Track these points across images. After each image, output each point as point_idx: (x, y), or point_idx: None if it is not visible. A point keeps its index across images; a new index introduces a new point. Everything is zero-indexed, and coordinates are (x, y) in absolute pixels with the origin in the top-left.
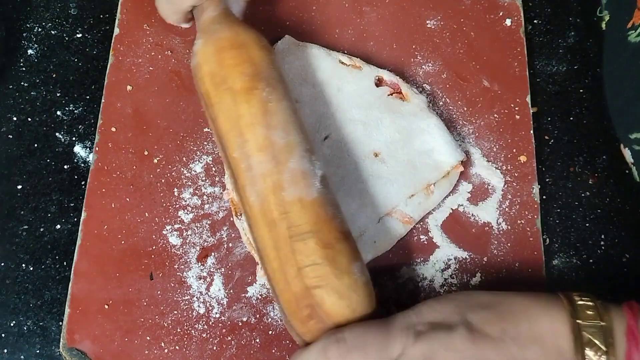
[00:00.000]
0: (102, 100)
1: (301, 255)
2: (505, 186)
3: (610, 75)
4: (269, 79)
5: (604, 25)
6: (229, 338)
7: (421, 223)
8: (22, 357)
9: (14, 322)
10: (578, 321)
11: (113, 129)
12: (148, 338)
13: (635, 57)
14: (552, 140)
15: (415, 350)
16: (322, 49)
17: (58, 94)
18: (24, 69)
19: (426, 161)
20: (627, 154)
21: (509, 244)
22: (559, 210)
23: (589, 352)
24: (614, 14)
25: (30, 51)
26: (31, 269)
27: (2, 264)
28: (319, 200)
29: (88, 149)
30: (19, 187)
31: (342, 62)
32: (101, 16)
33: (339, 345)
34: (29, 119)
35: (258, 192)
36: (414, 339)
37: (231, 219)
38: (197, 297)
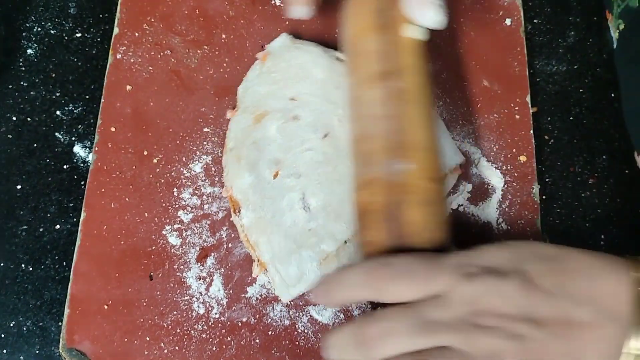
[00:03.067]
0: (102, 100)
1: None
2: (505, 186)
3: (627, 85)
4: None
5: (614, 34)
6: (229, 338)
7: None
8: (21, 357)
9: (13, 322)
10: None
11: (112, 129)
12: (148, 338)
13: None
14: (552, 140)
15: (462, 290)
16: (319, 47)
17: (57, 94)
18: (23, 68)
19: None
20: None
21: None
22: (559, 210)
23: None
24: (630, 22)
25: (29, 51)
26: (30, 269)
27: (2, 264)
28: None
29: (87, 149)
30: (19, 187)
31: (340, 60)
32: (101, 16)
33: (386, 268)
34: (29, 119)
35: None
36: (464, 279)
37: (230, 219)
38: (196, 298)
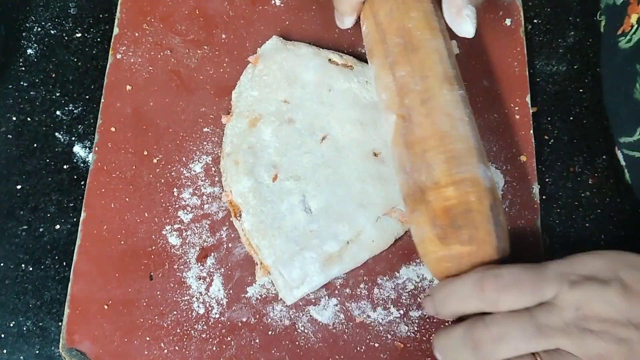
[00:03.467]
0: (102, 100)
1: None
2: (505, 186)
3: (606, 78)
4: None
5: (602, 29)
6: (229, 338)
7: None
8: (21, 357)
9: (13, 322)
10: None
11: (112, 129)
12: (148, 338)
13: (624, 63)
14: (552, 140)
15: (569, 297)
16: (310, 47)
17: (57, 94)
18: (23, 68)
19: None
20: (620, 156)
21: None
22: (559, 210)
23: None
24: (609, 19)
25: (29, 51)
26: (30, 269)
27: (2, 264)
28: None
29: (87, 149)
30: (19, 187)
31: (333, 61)
32: (100, 16)
33: (496, 280)
34: (29, 119)
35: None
36: (568, 286)
37: (230, 219)
38: (196, 298)
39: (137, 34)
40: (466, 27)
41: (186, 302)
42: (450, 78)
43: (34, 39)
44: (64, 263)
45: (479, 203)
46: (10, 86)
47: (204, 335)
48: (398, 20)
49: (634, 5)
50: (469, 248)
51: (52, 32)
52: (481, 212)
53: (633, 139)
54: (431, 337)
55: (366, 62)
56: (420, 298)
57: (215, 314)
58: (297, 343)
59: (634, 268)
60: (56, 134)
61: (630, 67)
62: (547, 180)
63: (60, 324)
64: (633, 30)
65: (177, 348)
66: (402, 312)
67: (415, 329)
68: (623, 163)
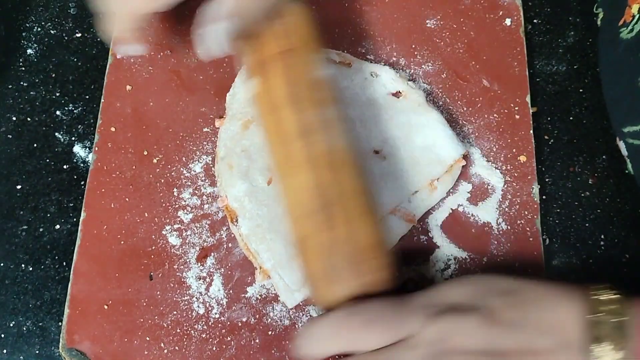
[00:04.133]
0: (102, 100)
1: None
2: (505, 186)
3: (605, 70)
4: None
5: (599, 22)
6: (229, 338)
7: (421, 223)
8: (21, 357)
9: (13, 322)
10: (589, 316)
11: (112, 129)
12: (147, 338)
13: (626, 53)
14: (551, 140)
15: (431, 329)
16: None
17: (57, 94)
18: (23, 68)
19: (429, 156)
20: (622, 146)
21: (508, 244)
22: (559, 210)
23: (595, 349)
24: (607, 11)
25: (29, 51)
26: (30, 269)
27: (2, 264)
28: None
29: (87, 149)
30: (19, 187)
31: (331, 59)
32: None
33: (355, 319)
34: (29, 119)
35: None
36: (429, 319)
37: None
38: (196, 298)
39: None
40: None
41: (186, 302)
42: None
43: (34, 39)
44: (64, 263)
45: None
46: (10, 86)
47: (204, 335)
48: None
49: None
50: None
51: (52, 32)
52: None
53: (637, 128)
54: None
55: (366, 59)
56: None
57: (215, 314)
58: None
59: (500, 294)
60: (56, 134)
61: (634, 57)
62: (547, 180)
63: (60, 324)
64: (635, 20)
65: (177, 348)
66: None
67: None
68: (625, 153)
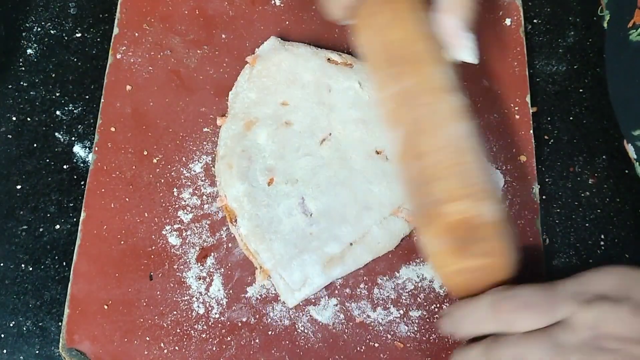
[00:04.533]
0: (102, 100)
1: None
2: (505, 186)
3: (613, 73)
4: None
5: (605, 25)
6: (229, 338)
7: None
8: (21, 357)
9: (13, 322)
10: None
11: (112, 129)
12: (147, 338)
13: (636, 56)
14: (552, 140)
15: (583, 316)
16: (309, 47)
17: (57, 94)
18: (23, 68)
19: None
20: (630, 150)
21: None
22: (559, 210)
23: None
24: (615, 13)
25: (29, 51)
26: (30, 269)
27: (2, 264)
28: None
29: (87, 149)
30: (18, 187)
31: (332, 60)
32: (100, 16)
33: (511, 301)
34: (28, 119)
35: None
36: (582, 306)
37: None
38: (196, 298)
39: (137, 34)
40: (466, 57)
41: (186, 302)
42: (453, 88)
43: (34, 39)
44: (64, 263)
45: (493, 216)
46: (10, 86)
47: (203, 335)
48: (397, 31)
49: None
50: (483, 261)
51: (52, 32)
52: (495, 226)
53: None
54: (430, 337)
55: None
56: (420, 298)
57: (215, 314)
58: (297, 343)
59: None
60: (56, 134)
61: None
62: (547, 180)
63: (60, 324)
64: None
65: (177, 348)
66: (402, 312)
67: (415, 329)
68: (634, 157)
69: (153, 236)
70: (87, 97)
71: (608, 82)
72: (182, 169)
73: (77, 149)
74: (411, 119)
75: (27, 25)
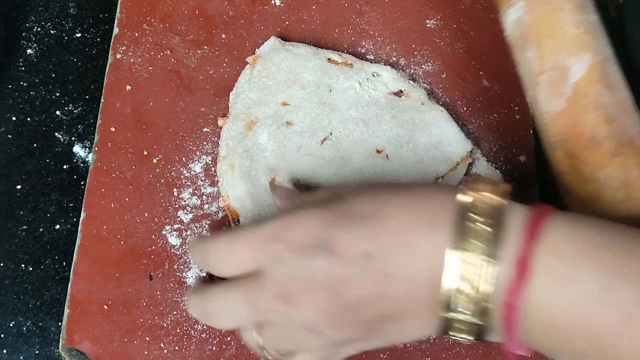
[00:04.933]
0: (102, 100)
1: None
2: None
3: (636, 40)
4: None
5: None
6: (229, 338)
7: None
8: (21, 357)
9: (13, 322)
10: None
11: (112, 129)
12: (147, 338)
13: None
14: None
15: (273, 271)
16: (309, 47)
17: (57, 94)
18: (23, 68)
19: (434, 154)
20: None
21: None
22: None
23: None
24: None
25: (29, 51)
26: (30, 269)
27: (1, 264)
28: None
29: (87, 149)
30: (18, 187)
31: (332, 60)
32: (100, 16)
33: (209, 250)
34: (28, 119)
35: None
36: (275, 256)
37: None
38: None
39: (137, 34)
40: None
41: (186, 302)
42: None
43: (34, 39)
44: (64, 263)
45: None
46: (10, 86)
47: (203, 335)
48: None
49: None
50: None
51: (52, 32)
52: None
53: None
54: (430, 337)
55: (366, 60)
56: None
57: None
58: None
59: (351, 221)
60: (56, 134)
61: None
62: (546, 180)
63: (60, 324)
64: None
65: (177, 348)
66: None
67: None
68: None
69: (153, 236)
70: (87, 97)
71: (633, 56)
72: (182, 169)
73: (77, 149)
74: (600, 46)
75: (27, 25)
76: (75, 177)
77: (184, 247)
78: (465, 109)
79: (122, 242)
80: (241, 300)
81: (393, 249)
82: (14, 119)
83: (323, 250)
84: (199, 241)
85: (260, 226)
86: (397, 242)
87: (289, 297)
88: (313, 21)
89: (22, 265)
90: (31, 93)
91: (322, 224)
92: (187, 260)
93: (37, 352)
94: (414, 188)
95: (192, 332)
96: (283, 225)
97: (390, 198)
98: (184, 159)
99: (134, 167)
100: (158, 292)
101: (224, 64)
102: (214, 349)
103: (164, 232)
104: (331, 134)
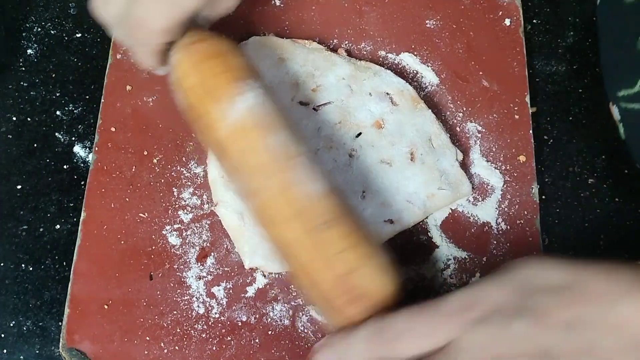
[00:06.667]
0: (102, 100)
1: (330, 244)
2: (505, 186)
3: (605, 35)
4: (251, 84)
5: None
6: (229, 338)
7: (420, 223)
8: (21, 357)
9: (13, 322)
10: None
11: (112, 129)
12: (147, 338)
13: (629, 15)
14: (551, 140)
15: (470, 338)
16: (286, 41)
17: (57, 94)
18: (23, 68)
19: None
20: (614, 111)
21: (508, 244)
22: (558, 210)
23: None
24: None
25: (29, 51)
26: (31, 269)
27: (2, 264)
28: (327, 191)
29: (87, 149)
30: (19, 187)
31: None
32: None
33: (387, 331)
34: (29, 119)
35: (267, 196)
36: (469, 326)
37: None
38: (196, 298)
39: None
40: None
41: (186, 302)
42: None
43: (34, 39)
44: (64, 263)
45: (357, 260)
46: (10, 86)
47: (203, 335)
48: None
49: None
50: (366, 305)
51: (52, 32)
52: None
53: (634, 90)
54: None
55: (364, 59)
56: (419, 298)
57: (215, 313)
58: (297, 343)
59: (549, 291)
60: (56, 134)
61: (636, 19)
62: (546, 180)
63: (60, 323)
64: None
65: (177, 348)
66: None
67: None
68: (618, 118)
69: (153, 236)
70: (87, 97)
71: (599, 46)
72: (182, 169)
73: (77, 149)
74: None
75: (27, 25)
76: (75, 177)
77: (184, 247)
78: (465, 109)
79: (122, 242)
80: None
81: (596, 317)
82: (14, 119)
83: (523, 315)
84: (353, 331)
85: (444, 300)
86: (599, 311)
87: None
88: (313, 21)
89: (22, 265)
90: (31, 93)
91: (516, 291)
92: (187, 260)
93: (37, 351)
94: (596, 262)
95: (192, 332)
96: (472, 297)
97: (580, 268)
98: (184, 159)
99: (134, 167)
100: (158, 292)
101: None
102: (214, 348)
103: (164, 232)
104: (322, 140)
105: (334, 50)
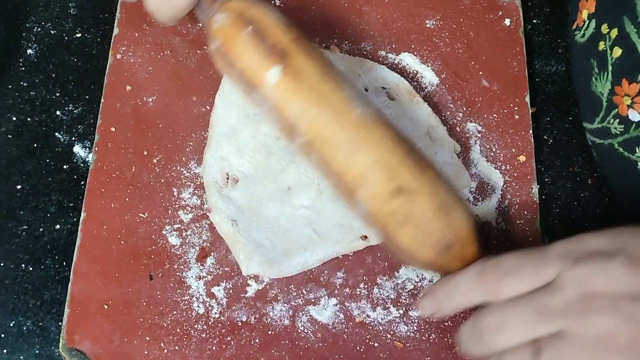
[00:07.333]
0: (102, 100)
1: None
2: (505, 186)
3: (572, 67)
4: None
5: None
6: (229, 338)
7: None
8: (21, 357)
9: (13, 322)
10: None
11: (112, 129)
12: (147, 338)
13: (581, 56)
14: (551, 140)
15: (571, 274)
16: None
17: (57, 94)
18: (23, 68)
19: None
20: (587, 136)
21: (508, 244)
22: (558, 210)
23: None
24: (570, 14)
25: (29, 51)
26: (30, 269)
27: (2, 264)
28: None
29: (87, 149)
30: (19, 187)
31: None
32: (100, 16)
33: (496, 269)
34: (28, 119)
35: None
36: (570, 264)
37: None
38: (196, 298)
39: (137, 34)
40: None
41: (186, 302)
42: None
43: (34, 39)
44: (64, 263)
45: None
46: (10, 86)
47: (203, 335)
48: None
49: (583, 0)
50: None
51: (52, 32)
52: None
53: (593, 126)
54: (430, 337)
55: (367, 58)
56: (419, 298)
57: (215, 313)
58: (296, 343)
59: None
60: (56, 134)
61: (586, 61)
62: (546, 180)
63: (60, 324)
64: (585, 25)
65: (177, 348)
66: (401, 311)
67: (415, 328)
68: (590, 143)
69: (153, 236)
70: (87, 97)
71: (573, 76)
72: (182, 169)
73: (77, 149)
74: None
75: (27, 25)
76: (75, 177)
77: (184, 247)
78: (465, 109)
79: (122, 242)
80: (531, 311)
81: None
82: (14, 119)
83: (620, 255)
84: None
85: (547, 247)
86: None
87: (589, 299)
88: (313, 21)
89: (22, 265)
90: (31, 93)
91: (614, 237)
92: (187, 260)
93: (37, 352)
94: None
95: (192, 332)
96: (574, 244)
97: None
98: (184, 159)
99: (134, 167)
100: (158, 292)
101: None
102: (214, 348)
103: (164, 232)
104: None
105: (327, 48)
